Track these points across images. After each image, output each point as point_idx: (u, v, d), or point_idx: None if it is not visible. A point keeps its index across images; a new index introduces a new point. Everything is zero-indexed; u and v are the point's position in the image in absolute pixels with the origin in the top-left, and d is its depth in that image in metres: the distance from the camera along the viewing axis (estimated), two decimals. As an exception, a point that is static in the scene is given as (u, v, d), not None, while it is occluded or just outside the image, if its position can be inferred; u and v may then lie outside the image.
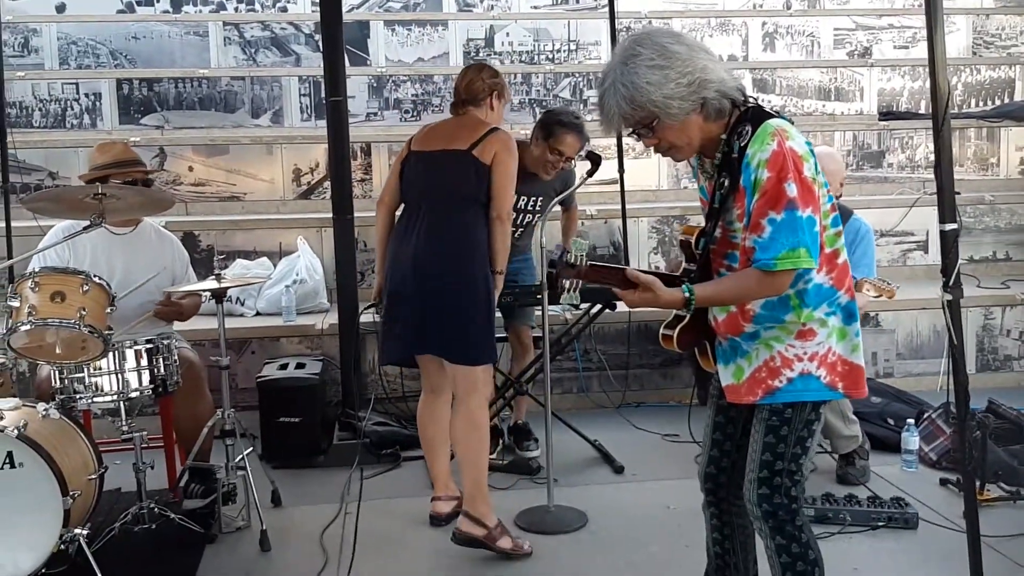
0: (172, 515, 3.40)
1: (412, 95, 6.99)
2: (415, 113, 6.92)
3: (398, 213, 3.59)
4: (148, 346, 3.41)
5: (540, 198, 4.22)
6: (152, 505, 3.36)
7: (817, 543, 2.35)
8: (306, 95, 6.87)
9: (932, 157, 6.58)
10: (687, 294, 2.18)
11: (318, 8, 4.87)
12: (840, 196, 3.89)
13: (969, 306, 5.29)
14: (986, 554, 2.71)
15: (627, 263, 5.67)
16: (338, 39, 4.69)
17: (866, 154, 6.76)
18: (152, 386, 3.42)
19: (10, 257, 4.57)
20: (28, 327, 3.08)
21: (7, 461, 2.87)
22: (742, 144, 2.16)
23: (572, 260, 2.15)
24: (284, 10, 7.74)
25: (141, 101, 6.76)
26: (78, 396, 3.30)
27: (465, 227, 3.36)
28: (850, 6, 8.09)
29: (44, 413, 3.11)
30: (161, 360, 3.44)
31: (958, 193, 2.66)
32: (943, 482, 3.95)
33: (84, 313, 3.09)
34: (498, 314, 3.61)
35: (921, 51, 7.62)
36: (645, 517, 3.71)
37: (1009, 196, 6.37)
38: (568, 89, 7.09)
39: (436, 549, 3.48)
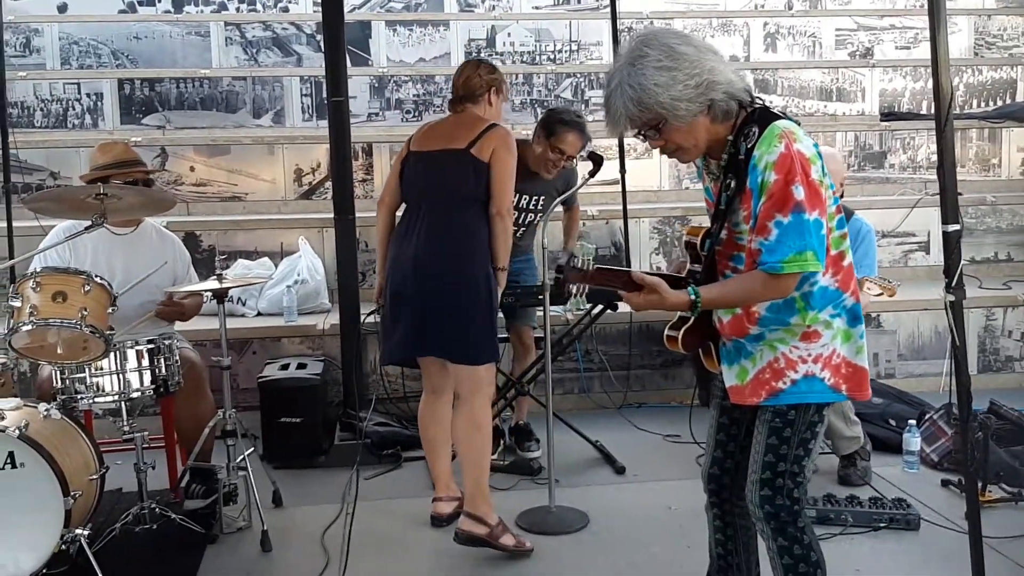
0: (173, 515, 3.40)
1: (413, 95, 6.98)
2: (416, 113, 6.91)
3: (399, 213, 3.59)
4: (149, 346, 3.41)
5: (542, 197, 4.22)
6: (153, 505, 3.37)
7: (819, 544, 2.35)
8: (307, 95, 6.86)
9: (934, 158, 6.57)
10: (692, 296, 2.17)
11: (319, 8, 4.87)
12: (842, 196, 3.89)
13: (971, 307, 5.28)
14: (988, 555, 2.70)
15: (628, 264, 5.67)
16: (340, 39, 4.69)
17: (868, 155, 6.75)
18: (153, 386, 3.42)
19: (11, 257, 4.57)
20: (30, 327, 3.08)
21: (8, 461, 2.87)
22: (749, 146, 2.15)
23: (580, 265, 2.14)
24: (285, 10, 7.74)
25: (143, 101, 6.76)
26: (79, 396, 3.30)
27: (465, 227, 3.35)
28: (852, 6, 8.08)
29: (45, 413, 3.11)
30: (162, 360, 3.44)
31: (960, 194, 2.66)
32: (945, 483, 3.94)
33: (85, 313, 3.09)
34: (500, 314, 3.61)
35: (923, 52, 7.63)
36: (647, 518, 3.71)
37: (1011, 197, 6.36)
38: (570, 89, 7.08)
39: (437, 550, 3.48)
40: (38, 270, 3.24)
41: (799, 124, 2.20)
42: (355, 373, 4.65)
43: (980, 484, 3.58)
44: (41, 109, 6.67)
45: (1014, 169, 6.81)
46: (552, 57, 7.54)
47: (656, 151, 2.29)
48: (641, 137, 2.21)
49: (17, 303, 3.09)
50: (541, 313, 3.78)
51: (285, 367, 4.57)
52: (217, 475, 3.58)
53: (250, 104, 6.84)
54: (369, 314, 3.91)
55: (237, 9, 7.70)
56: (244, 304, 5.30)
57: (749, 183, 2.15)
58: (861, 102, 7.30)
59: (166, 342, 3.47)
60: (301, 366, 4.58)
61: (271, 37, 7.37)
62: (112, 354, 3.28)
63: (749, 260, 2.21)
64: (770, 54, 7.66)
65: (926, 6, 2.63)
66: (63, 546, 2.94)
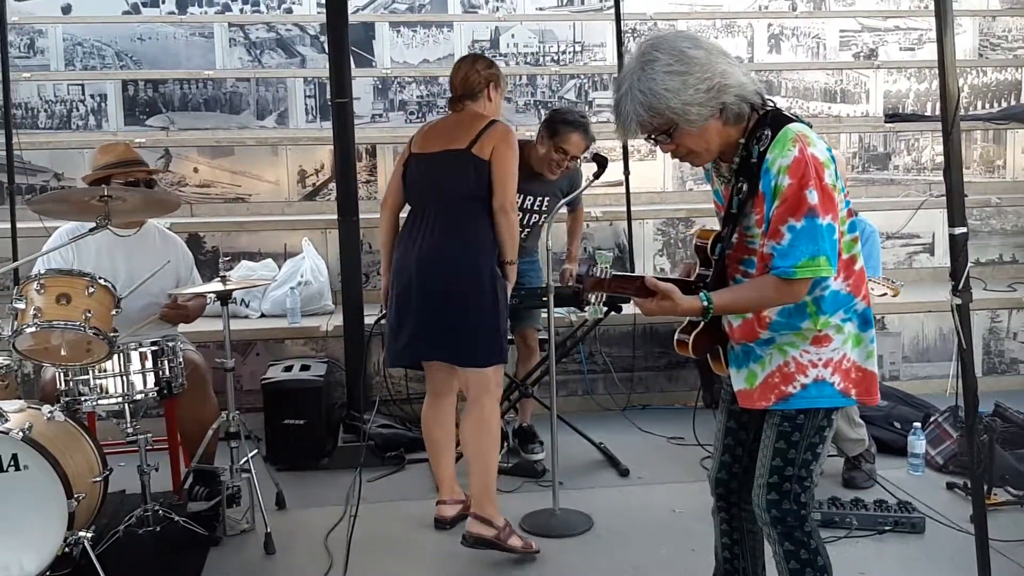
0: (176, 517, 3.39)
1: (417, 96, 6.99)
2: (420, 114, 6.92)
3: (402, 215, 3.58)
4: (153, 348, 3.40)
5: (546, 198, 4.21)
6: (156, 507, 3.36)
7: (826, 549, 2.34)
8: (311, 96, 6.87)
9: (938, 159, 6.61)
10: (705, 302, 2.15)
11: (323, 9, 4.87)
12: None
13: (976, 309, 5.23)
14: (994, 559, 2.70)
15: (632, 265, 5.66)
16: (344, 40, 4.68)
17: (872, 156, 6.74)
18: (157, 388, 3.41)
19: (15, 258, 4.57)
20: (34, 329, 3.07)
21: (12, 463, 2.87)
22: (761, 149, 2.13)
23: (599, 274, 2.13)
24: (289, 11, 7.75)
25: (146, 102, 6.77)
26: (83, 398, 3.29)
27: (469, 228, 3.34)
28: (856, 8, 8.08)
29: (49, 415, 3.11)
30: (166, 362, 3.43)
31: (965, 196, 2.65)
32: (950, 486, 3.93)
33: (89, 315, 3.08)
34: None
35: (927, 53, 7.63)
36: (651, 520, 3.70)
37: (1016, 198, 6.33)
38: (573, 91, 7.08)
39: (441, 552, 3.47)
40: (42, 272, 3.24)
41: (811, 127, 2.19)
42: (358, 375, 4.65)
43: (985, 487, 3.56)
44: (45, 110, 6.68)
45: (1019, 171, 6.78)
46: (556, 58, 7.54)
47: (660, 152, 2.28)
48: (652, 142, 2.19)
49: (21, 305, 3.08)
50: (545, 315, 3.77)
51: (288, 369, 4.56)
52: (220, 477, 3.57)
53: (254, 105, 6.85)
54: (379, 319, 3.91)
55: (241, 10, 7.72)
56: (247, 306, 5.29)
57: (762, 187, 2.13)
58: (865, 103, 7.29)
59: (170, 344, 3.47)
60: (304, 368, 4.57)
61: (275, 38, 7.38)
62: (116, 356, 3.27)
63: (761, 264, 2.19)
64: (774, 55, 7.66)
65: (931, 8, 2.62)
66: (66, 548, 2.93)
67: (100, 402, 3.32)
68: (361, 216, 4.75)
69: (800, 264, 2.09)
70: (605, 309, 4.27)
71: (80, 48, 7.18)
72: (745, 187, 2.17)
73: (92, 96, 6.72)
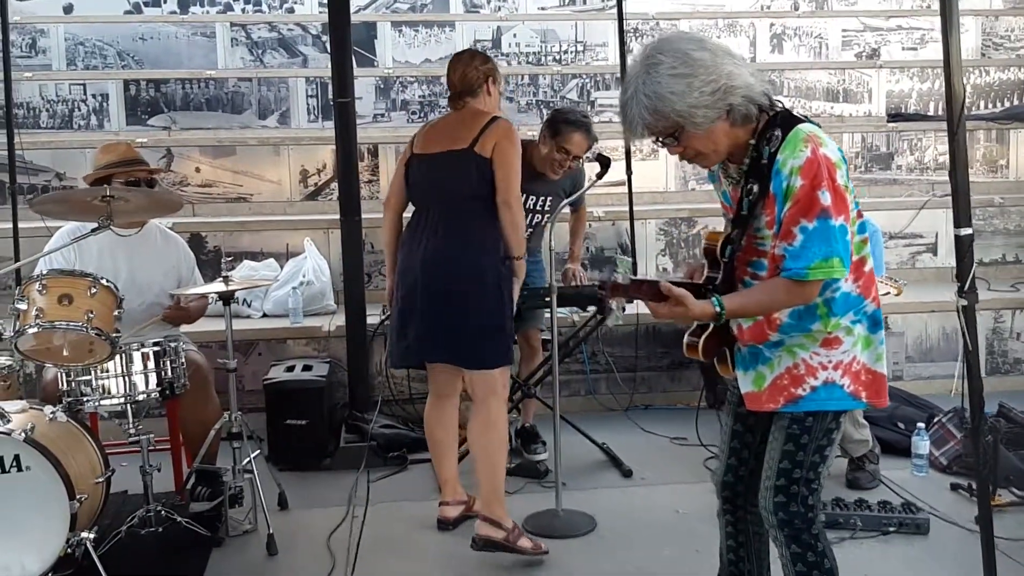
0: (179, 518, 3.39)
1: (419, 96, 6.98)
2: (422, 114, 6.90)
3: (406, 215, 3.57)
4: (155, 349, 3.40)
5: (549, 198, 4.20)
6: (159, 508, 3.35)
7: (833, 552, 2.33)
8: (313, 96, 6.86)
9: (941, 159, 6.61)
10: (717, 307, 2.13)
11: (325, 9, 4.86)
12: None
13: (979, 309, 5.20)
14: (999, 560, 2.69)
15: (635, 265, 5.65)
16: (346, 40, 4.68)
17: (875, 156, 6.72)
18: (159, 389, 3.40)
19: (17, 258, 4.56)
20: (36, 330, 3.07)
21: (14, 464, 2.86)
22: (772, 150, 2.12)
23: (621, 281, 2.11)
24: (291, 11, 7.74)
25: (148, 102, 6.76)
26: (85, 399, 3.29)
27: (473, 228, 3.32)
28: (858, 7, 8.06)
29: (51, 416, 3.10)
30: (168, 363, 3.43)
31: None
32: (954, 487, 3.92)
33: (92, 316, 3.08)
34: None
35: (929, 53, 7.61)
36: (654, 521, 3.69)
37: (1019, 198, 6.32)
38: (575, 90, 7.07)
39: (444, 553, 3.47)
40: (44, 272, 3.23)
41: (820, 127, 2.17)
42: (361, 375, 4.63)
43: (990, 488, 3.55)
44: (47, 110, 6.67)
45: (1022, 170, 6.76)
46: (558, 58, 7.53)
47: (662, 151, 2.26)
48: (660, 144, 2.17)
49: (23, 305, 3.07)
50: (548, 315, 3.76)
51: (291, 369, 4.56)
52: (223, 478, 3.57)
53: (256, 105, 6.84)
54: (383, 321, 3.90)
55: (243, 10, 7.71)
56: (249, 305, 5.29)
57: (773, 188, 2.12)
58: (868, 103, 7.27)
59: (172, 344, 3.46)
60: (307, 368, 4.56)
61: (277, 38, 7.37)
62: (118, 356, 3.27)
63: (772, 266, 2.18)
64: (776, 55, 7.64)
65: (933, 7, 2.61)
66: (68, 549, 2.93)
67: (102, 402, 3.32)
68: (363, 216, 4.75)
69: (813, 265, 2.08)
70: (588, 304, 4.27)
71: (82, 48, 7.17)
72: (755, 188, 2.15)
73: (94, 96, 6.71)
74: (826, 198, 2.06)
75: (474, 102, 3.43)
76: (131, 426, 3.32)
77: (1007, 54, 7.76)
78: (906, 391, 4.83)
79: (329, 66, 4.80)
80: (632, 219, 5.69)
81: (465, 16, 7.70)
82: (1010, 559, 3.21)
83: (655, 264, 5.88)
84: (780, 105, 2.19)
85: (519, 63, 7.43)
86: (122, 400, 3.32)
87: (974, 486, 3.73)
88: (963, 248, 2.57)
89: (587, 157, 4.16)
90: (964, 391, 2.89)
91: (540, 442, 4.38)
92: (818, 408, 2.23)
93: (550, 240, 3.56)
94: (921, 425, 4.16)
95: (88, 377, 3.28)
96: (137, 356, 3.35)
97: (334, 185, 5.82)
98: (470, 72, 3.43)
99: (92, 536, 2.98)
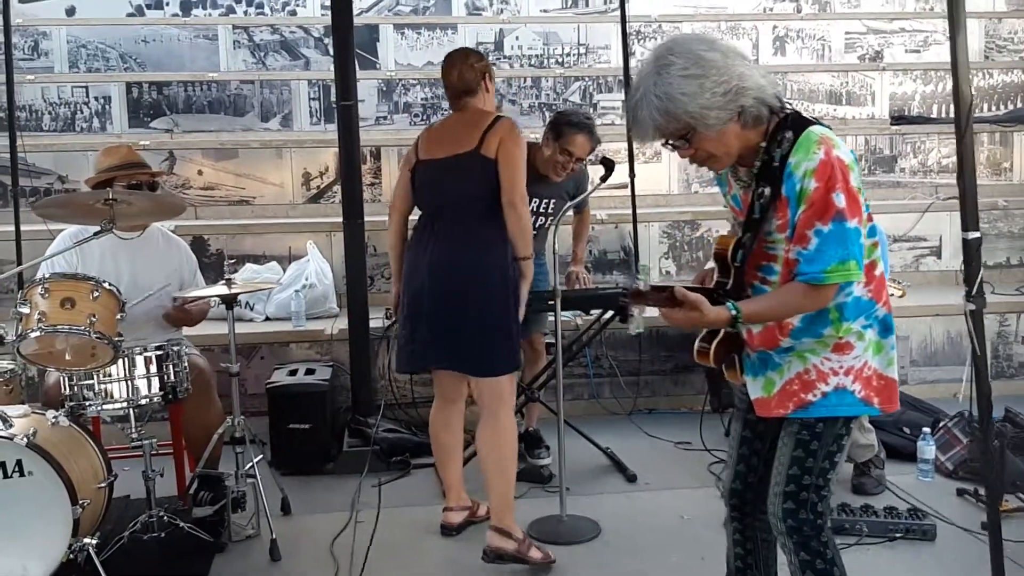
0: (181, 523, 3.37)
1: (422, 99, 6.97)
2: (425, 117, 6.90)
3: (412, 219, 3.55)
4: (158, 353, 3.38)
5: (552, 201, 4.19)
6: (161, 513, 3.34)
7: (841, 559, 2.31)
8: (315, 99, 6.85)
9: (944, 161, 6.58)
10: (733, 312, 2.10)
11: (327, 11, 4.86)
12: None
13: (984, 313, 5.24)
14: (1006, 566, 2.67)
15: (638, 268, 5.63)
16: (348, 43, 4.66)
17: (878, 159, 6.71)
18: (162, 393, 3.39)
19: (19, 261, 4.55)
20: (38, 334, 3.05)
21: (16, 469, 2.84)
22: (784, 152, 2.10)
23: (643, 287, 2.08)
24: (293, 13, 7.74)
25: (150, 104, 6.75)
26: (87, 403, 3.27)
27: (480, 231, 3.29)
28: (861, 10, 8.05)
29: (53, 420, 3.09)
30: (171, 367, 3.41)
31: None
32: (960, 492, 3.90)
33: (94, 320, 3.06)
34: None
35: (932, 55, 7.60)
36: (659, 527, 3.67)
37: (1023, 201, 6.31)
38: (578, 93, 7.06)
39: (447, 559, 3.45)
40: (46, 276, 3.22)
41: (831, 129, 2.15)
42: (364, 378, 4.62)
43: (996, 493, 3.53)
44: (49, 112, 6.66)
45: (1026, 173, 6.75)
46: (560, 60, 7.52)
47: (666, 154, 2.25)
48: (670, 147, 2.14)
49: (25, 309, 3.06)
50: (552, 319, 3.75)
51: (293, 373, 4.54)
52: (225, 482, 3.55)
53: (258, 108, 6.83)
54: (390, 325, 3.88)
55: (245, 12, 7.71)
56: (252, 309, 5.27)
57: (785, 190, 2.09)
58: (871, 106, 7.26)
59: (174, 348, 3.45)
60: (309, 372, 4.55)
61: (279, 40, 7.37)
62: (120, 360, 3.25)
63: (785, 270, 2.16)
64: (779, 57, 7.63)
65: (936, 10, 2.60)
66: (71, 555, 2.91)
67: (105, 407, 3.30)
68: (366, 219, 4.73)
69: (829, 269, 2.06)
70: (591, 307, 4.25)
71: (84, 50, 7.17)
72: (767, 191, 2.12)
73: (96, 98, 6.71)
74: (841, 200, 2.04)
75: (474, 101, 3.41)
76: (134, 430, 3.31)
77: (1010, 56, 7.74)
78: (911, 395, 4.81)
79: (331, 69, 4.79)
80: (635, 222, 5.66)
81: (468, 18, 7.69)
82: (1018, 565, 3.18)
83: (659, 267, 5.86)
84: (791, 107, 2.17)
85: (521, 66, 7.42)
86: (125, 404, 3.30)
87: (980, 491, 3.72)
88: (971, 252, 2.55)
89: (590, 159, 4.14)
90: (972, 396, 2.87)
91: (544, 446, 4.36)
92: (829, 414, 2.21)
93: (554, 243, 3.54)
94: (927, 430, 4.14)
95: (91, 381, 3.27)
96: (140, 360, 3.34)
97: (337, 188, 5.81)
98: (467, 71, 3.40)
99: (94, 541, 2.96)
